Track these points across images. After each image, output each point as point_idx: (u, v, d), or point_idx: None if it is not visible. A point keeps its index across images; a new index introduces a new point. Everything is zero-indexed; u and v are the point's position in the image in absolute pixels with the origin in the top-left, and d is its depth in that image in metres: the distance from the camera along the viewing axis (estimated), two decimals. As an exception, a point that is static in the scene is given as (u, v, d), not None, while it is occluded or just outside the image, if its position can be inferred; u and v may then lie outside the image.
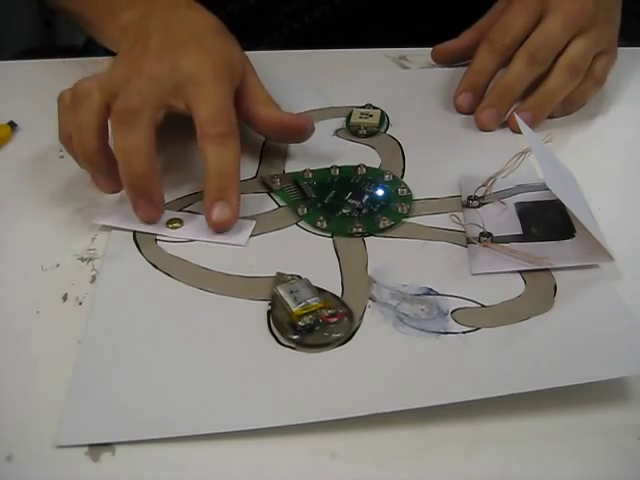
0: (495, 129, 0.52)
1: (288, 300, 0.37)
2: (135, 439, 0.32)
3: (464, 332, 0.36)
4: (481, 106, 0.52)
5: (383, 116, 0.53)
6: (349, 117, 0.53)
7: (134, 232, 0.43)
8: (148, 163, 0.41)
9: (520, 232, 0.42)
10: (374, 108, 0.54)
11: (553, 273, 0.39)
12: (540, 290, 0.38)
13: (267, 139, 0.50)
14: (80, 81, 0.43)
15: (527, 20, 0.52)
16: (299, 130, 0.48)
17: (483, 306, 0.37)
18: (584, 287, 0.38)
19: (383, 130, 0.52)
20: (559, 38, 0.51)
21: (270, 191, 0.46)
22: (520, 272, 0.39)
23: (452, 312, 0.37)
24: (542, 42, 0.51)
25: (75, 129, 0.42)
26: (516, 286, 0.38)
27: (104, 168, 0.42)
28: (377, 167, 0.48)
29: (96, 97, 0.42)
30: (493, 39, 0.53)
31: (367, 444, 0.32)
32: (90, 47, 0.61)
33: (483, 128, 0.52)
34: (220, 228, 0.42)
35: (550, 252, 0.40)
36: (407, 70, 0.60)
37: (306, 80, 0.57)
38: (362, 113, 0.53)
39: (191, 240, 0.42)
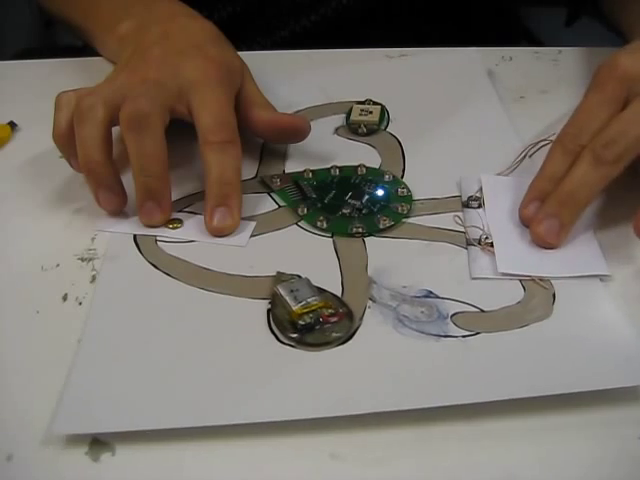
0: (558, 246, 0.41)
1: (288, 299, 0.37)
2: (131, 429, 0.32)
3: (464, 336, 0.36)
4: (539, 215, 0.41)
5: (383, 112, 0.53)
6: (349, 114, 0.53)
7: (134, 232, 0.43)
8: (162, 166, 0.41)
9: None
10: (374, 104, 0.53)
11: (552, 281, 0.39)
12: (539, 297, 0.38)
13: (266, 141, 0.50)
14: (82, 95, 0.43)
15: (607, 112, 0.42)
16: (296, 130, 0.48)
17: (482, 311, 0.37)
18: (583, 296, 0.38)
19: (383, 127, 0.52)
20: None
21: (270, 191, 0.46)
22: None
23: (452, 316, 0.37)
24: (615, 135, 0.40)
25: (80, 144, 0.42)
26: (515, 292, 0.38)
27: (109, 182, 0.42)
28: (377, 167, 0.48)
29: (100, 111, 0.42)
30: (565, 138, 0.42)
31: (367, 444, 0.32)
32: (90, 47, 0.60)
33: (542, 244, 0.41)
34: (220, 234, 0.42)
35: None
36: (405, 57, 0.60)
37: (305, 77, 0.57)
38: (362, 110, 0.53)
39: (191, 240, 0.42)
